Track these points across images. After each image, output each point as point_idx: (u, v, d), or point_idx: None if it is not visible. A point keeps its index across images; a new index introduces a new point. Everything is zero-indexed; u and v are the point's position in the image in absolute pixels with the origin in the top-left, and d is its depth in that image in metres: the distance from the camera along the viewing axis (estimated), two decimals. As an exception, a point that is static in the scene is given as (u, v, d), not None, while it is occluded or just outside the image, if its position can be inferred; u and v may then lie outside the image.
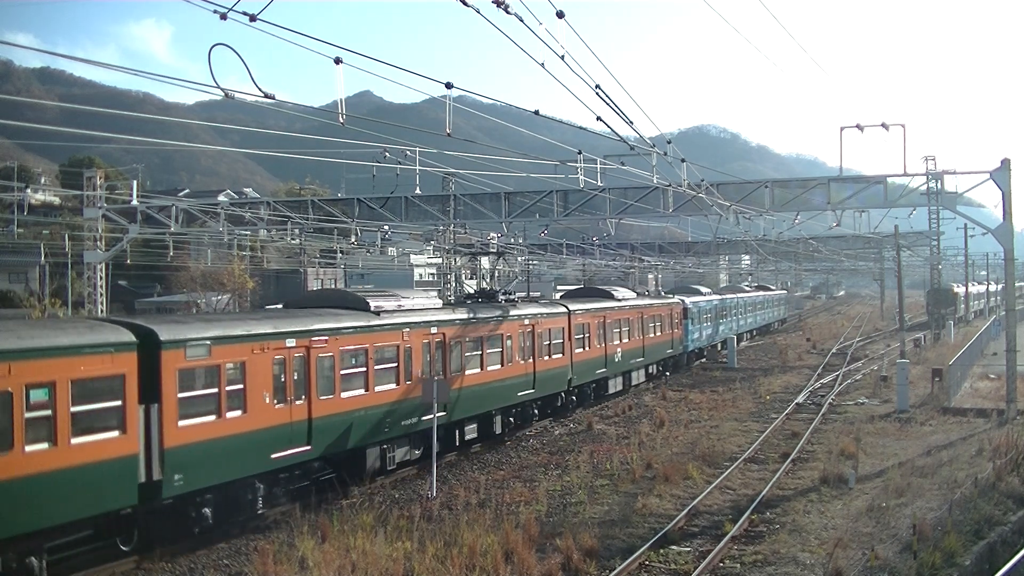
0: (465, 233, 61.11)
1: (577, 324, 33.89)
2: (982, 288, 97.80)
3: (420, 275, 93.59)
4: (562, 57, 14.42)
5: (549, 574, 15.36)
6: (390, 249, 78.36)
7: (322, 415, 20.04)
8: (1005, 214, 30.99)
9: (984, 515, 17.73)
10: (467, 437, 26.75)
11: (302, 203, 41.73)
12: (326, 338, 20.34)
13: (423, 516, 19.01)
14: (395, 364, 22.80)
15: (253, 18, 12.02)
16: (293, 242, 51.24)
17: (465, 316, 26.43)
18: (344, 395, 20.87)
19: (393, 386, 22.65)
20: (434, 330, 24.56)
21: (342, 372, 20.86)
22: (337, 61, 14.21)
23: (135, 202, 39.96)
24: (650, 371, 43.87)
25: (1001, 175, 30.61)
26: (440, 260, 72.60)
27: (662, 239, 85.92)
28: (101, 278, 40.18)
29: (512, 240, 71.86)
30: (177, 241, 46.48)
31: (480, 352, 27.07)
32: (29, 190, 51.81)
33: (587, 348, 34.85)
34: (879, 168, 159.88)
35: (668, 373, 47.16)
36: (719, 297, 61.79)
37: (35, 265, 65.95)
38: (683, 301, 50.74)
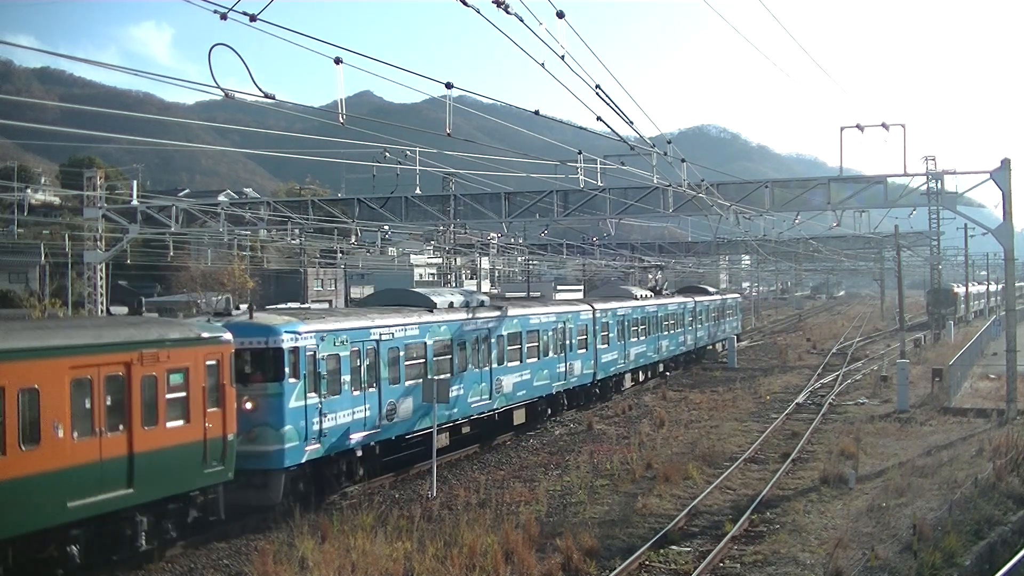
0: (465, 233, 61.20)
1: None
2: (982, 288, 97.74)
3: (420, 275, 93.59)
4: (562, 57, 14.43)
5: (549, 574, 15.37)
6: (390, 249, 78.40)
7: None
8: (1005, 214, 31.00)
9: (984, 515, 17.74)
10: None
11: (302, 203, 41.73)
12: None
13: (423, 516, 19.02)
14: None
15: (253, 18, 12.02)
16: (293, 242, 51.22)
17: None
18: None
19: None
20: None
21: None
22: (337, 61, 14.21)
23: (135, 202, 39.94)
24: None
25: (1001, 175, 30.61)
26: (440, 260, 72.75)
27: (662, 239, 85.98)
28: (101, 278, 40.14)
29: (512, 240, 72.02)
30: (177, 241, 46.49)
31: None
32: (29, 190, 51.77)
33: None
34: (879, 168, 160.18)
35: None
36: (493, 314, 28.67)
37: (35, 265, 65.89)
38: (300, 335, 19.58)
